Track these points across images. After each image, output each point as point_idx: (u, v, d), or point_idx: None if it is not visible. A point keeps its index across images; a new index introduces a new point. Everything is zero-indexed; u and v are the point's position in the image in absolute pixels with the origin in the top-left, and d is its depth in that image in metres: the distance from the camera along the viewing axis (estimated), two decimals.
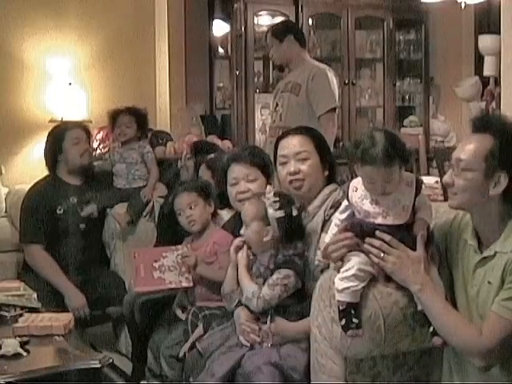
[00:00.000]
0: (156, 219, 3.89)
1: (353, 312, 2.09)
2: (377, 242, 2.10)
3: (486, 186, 1.97)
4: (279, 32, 4.55)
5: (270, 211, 2.45)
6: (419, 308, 2.09)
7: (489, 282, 1.98)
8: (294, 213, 2.45)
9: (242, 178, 2.84)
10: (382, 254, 2.09)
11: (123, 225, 3.86)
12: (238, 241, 2.61)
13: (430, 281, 2.06)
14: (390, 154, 2.06)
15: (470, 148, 1.99)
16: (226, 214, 3.28)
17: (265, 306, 2.39)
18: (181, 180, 3.93)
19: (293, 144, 2.63)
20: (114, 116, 4.06)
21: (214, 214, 3.15)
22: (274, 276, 2.40)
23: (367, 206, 2.15)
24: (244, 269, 2.52)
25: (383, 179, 2.09)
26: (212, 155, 3.83)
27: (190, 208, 3.06)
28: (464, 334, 1.99)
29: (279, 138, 2.72)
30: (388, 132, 2.13)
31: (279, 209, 2.44)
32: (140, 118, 4.08)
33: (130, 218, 3.89)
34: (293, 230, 2.46)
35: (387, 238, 2.10)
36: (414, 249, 2.09)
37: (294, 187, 2.58)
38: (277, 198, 2.46)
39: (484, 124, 2.02)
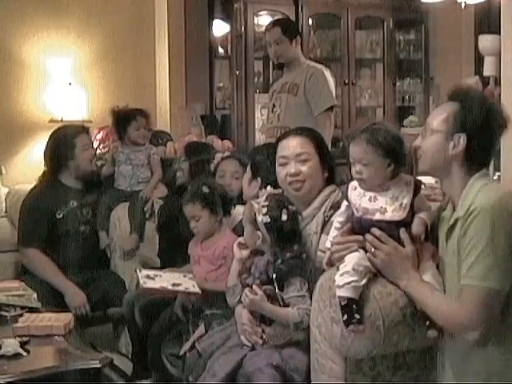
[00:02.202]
0: (157, 219, 3.88)
1: (355, 307, 2.09)
2: (369, 237, 2.14)
3: (447, 147, 2.05)
4: (291, 30, 4.51)
5: (258, 217, 2.44)
6: (418, 307, 2.10)
7: (453, 251, 2.03)
8: (284, 217, 2.42)
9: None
10: (373, 250, 2.11)
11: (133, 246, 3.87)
12: (241, 238, 2.60)
13: (417, 273, 2.09)
14: (376, 141, 2.14)
15: (436, 113, 2.11)
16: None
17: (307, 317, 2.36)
18: (179, 180, 3.91)
19: (293, 145, 2.61)
20: (129, 117, 4.03)
21: (228, 215, 3.14)
22: (293, 290, 2.37)
23: (365, 202, 2.17)
24: (269, 306, 2.41)
25: (361, 161, 2.16)
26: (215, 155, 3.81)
27: (195, 220, 3.07)
28: (448, 312, 2.02)
29: (279, 139, 2.71)
30: (389, 128, 2.21)
31: (266, 214, 2.42)
32: (149, 118, 4.10)
33: (137, 238, 3.88)
34: (284, 235, 2.42)
35: (377, 232, 2.12)
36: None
37: (293, 188, 2.57)
38: (266, 203, 2.44)
39: (453, 92, 2.12)
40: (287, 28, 4.51)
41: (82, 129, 3.98)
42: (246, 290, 2.41)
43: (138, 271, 3.10)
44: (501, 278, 1.93)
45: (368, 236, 2.14)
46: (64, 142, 3.84)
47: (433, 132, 2.09)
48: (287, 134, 2.70)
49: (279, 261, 2.40)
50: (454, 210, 2.09)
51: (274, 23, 4.65)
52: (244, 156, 3.63)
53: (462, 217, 1.99)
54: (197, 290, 2.91)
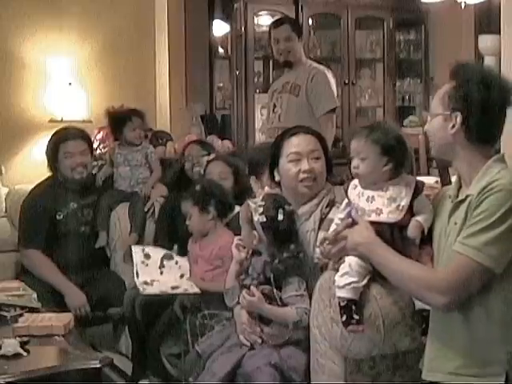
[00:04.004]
0: (156, 218, 3.88)
1: (354, 308, 2.10)
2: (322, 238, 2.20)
3: (446, 128, 2.03)
4: (298, 29, 4.53)
5: (255, 216, 2.44)
6: (417, 307, 2.10)
7: (455, 223, 2.00)
8: (280, 217, 2.41)
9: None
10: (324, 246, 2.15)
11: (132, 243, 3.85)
12: (237, 239, 2.60)
13: (379, 240, 2.08)
14: (375, 138, 2.16)
15: (436, 95, 2.09)
16: None
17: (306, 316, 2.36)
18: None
19: (307, 142, 2.61)
20: (124, 118, 4.02)
21: (223, 216, 3.15)
22: (292, 289, 2.37)
23: (363, 203, 2.18)
24: (268, 306, 2.40)
25: (358, 155, 2.17)
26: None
27: (188, 218, 3.10)
28: (420, 274, 2.00)
29: (285, 136, 2.67)
30: (392, 128, 2.24)
31: (262, 213, 2.42)
32: (144, 118, 4.08)
33: (137, 238, 3.86)
34: (280, 234, 2.42)
35: (332, 228, 2.19)
36: (406, 249, 2.09)
37: (305, 185, 2.57)
38: (262, 203, 2.44)
39: (451, 71, 2.09)
40: (295, 26, 4.54)
41: (73, 135, 3.86)
42: (244, 292, 2.41)
43: (135, 277, 3.11)
44: (495, 258, 1.89)
45: (322, 237, 2.19)
46: (50, 146, 3.84)
47: (433, 115, 2.08)
48: (296, 131, 2.67)
49: (276, 260, 2.40)
50: (460, 187, 2.07)
51: (282, 21, 4.66)
52: (230, 157, 3.70)
53: (474, 194, 1.94)
54: (196, 290, 2.93)
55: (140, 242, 3.86)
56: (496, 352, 1.92)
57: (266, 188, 2.57)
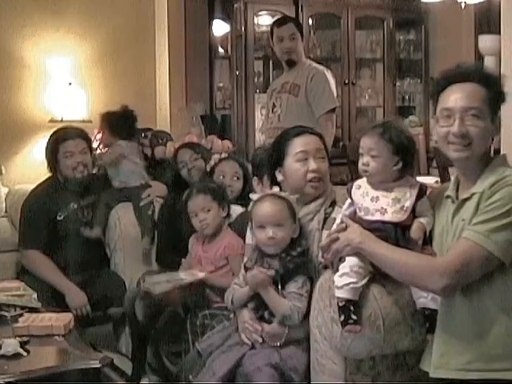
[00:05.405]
0: (156, 218, 3.87)
1: (352, 309, 2.10)
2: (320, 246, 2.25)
3: (492, 130, 2.03)
4: (300, 28, 4.53)
5: None
6: (418, 307, 2.10)
7: (462, 220, 2.00)
8: None
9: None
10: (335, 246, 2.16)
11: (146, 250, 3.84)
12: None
13: (370, 234, 2.10)
14: (389, 136, 2.16)
15: (472, 96, 2.02)
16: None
17: (301, 318, 2.36)
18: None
19: (313, 141, 2.61)
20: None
21: (227, 217, 3.15)
22: (294, 287, 2.38)
23: (367, 202, 2.18)
24: (271, 290, 2.42)
25: (370, 152, 2.17)
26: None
27: (204, 211, 3.04)
28: (419, 259, 2.01)
29: (293, 135, 2.65)
30: (404, 128, 2.26)
31: None
32: (111, 122, 4.01)
33: (150, 240, 3.85)
34: None
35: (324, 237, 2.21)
36: (407, 248, 2.10)
37: (312, 185, 2.56)
38: None
39: (468, 73, 2.07)
40: (298, 25, 4.54)
41: (71, 134, 3.82)
42: (256, 270, 2.42)
43: (141, 282, 3.12)
44: (501, 246, 1.89)
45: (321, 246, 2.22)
46: (49, 147, 3.82)
47: (479, 117, 2.01)
48: (301, 131, 2.67)
49: (288, 258, 2.43)
50: (458, 189, 2.08)
51: (287, 19, 4.66)
52: (241, 157, 3.67)
53: (485, 189, 1.95)
54: (201, 275, 2.93)
55: (152, 243, 3.84)
56: (506, 347, 1.92)
57: (275, 188, 2.57)
